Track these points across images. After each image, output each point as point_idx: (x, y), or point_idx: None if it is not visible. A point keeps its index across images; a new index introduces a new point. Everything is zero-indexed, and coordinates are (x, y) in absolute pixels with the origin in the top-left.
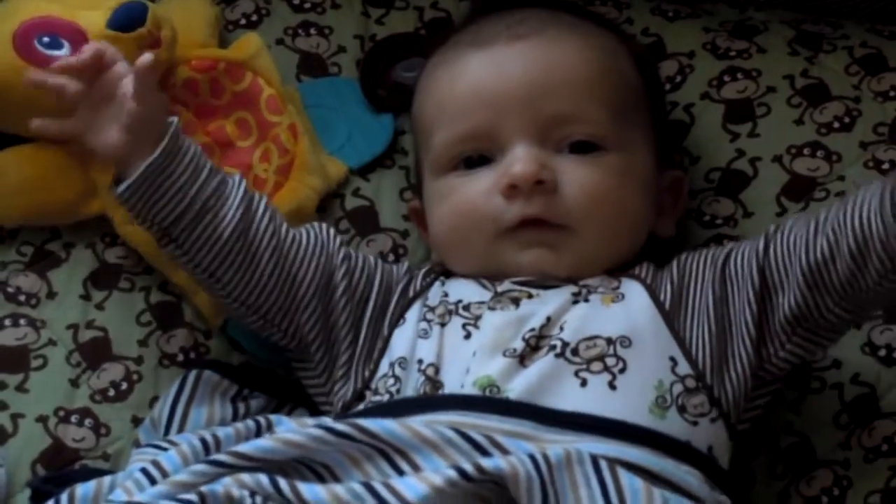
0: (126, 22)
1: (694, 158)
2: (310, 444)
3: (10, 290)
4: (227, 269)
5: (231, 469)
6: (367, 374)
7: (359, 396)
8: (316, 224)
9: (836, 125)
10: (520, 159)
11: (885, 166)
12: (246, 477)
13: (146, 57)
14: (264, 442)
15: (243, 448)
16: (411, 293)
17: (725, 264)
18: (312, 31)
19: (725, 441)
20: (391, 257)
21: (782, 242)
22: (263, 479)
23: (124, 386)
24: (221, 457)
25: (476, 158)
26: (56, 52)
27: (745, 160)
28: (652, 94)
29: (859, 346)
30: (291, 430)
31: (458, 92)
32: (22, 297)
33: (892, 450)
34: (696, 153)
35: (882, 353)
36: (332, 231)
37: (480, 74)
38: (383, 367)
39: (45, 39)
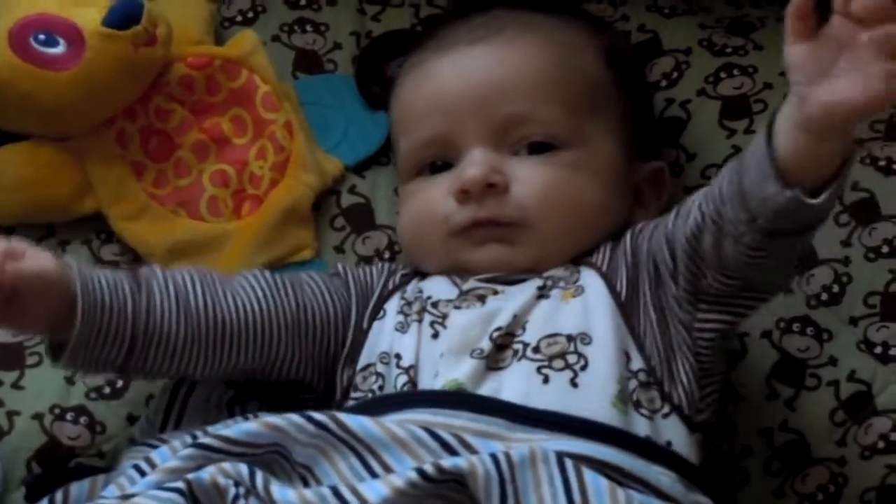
0: (122, 20)
1: (690, 155)
2: (289, 428)
3: None
4: (195, 368)
5: (217, 453)
6: (351, 371)
7: (345, 393)
8: (258, 277)
9: None
10: (472, 164)
11: (882, 163)
12: (228, 466)
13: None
14: (248, 425)
15: (228, 431)
16: (391, 286)
17: (651, 240)
18: (308, 27)
19: (685, 435)
20: (387, 254)
21: (681, 216)
22: (243, 469)
23: (120, 384)
24: (207, 440)
25: (440, 165)
26: (52, 50)
27: None
28: (624, 86)
29: (855, 344)
30: (273, 416)
31: (418, 98)
32: None
33: (887, 447)
34: (692, 150)
35: (878, 350)
36: (276, 280)
37: (438, 80)
38: (362, 361)
39: (41, 37)
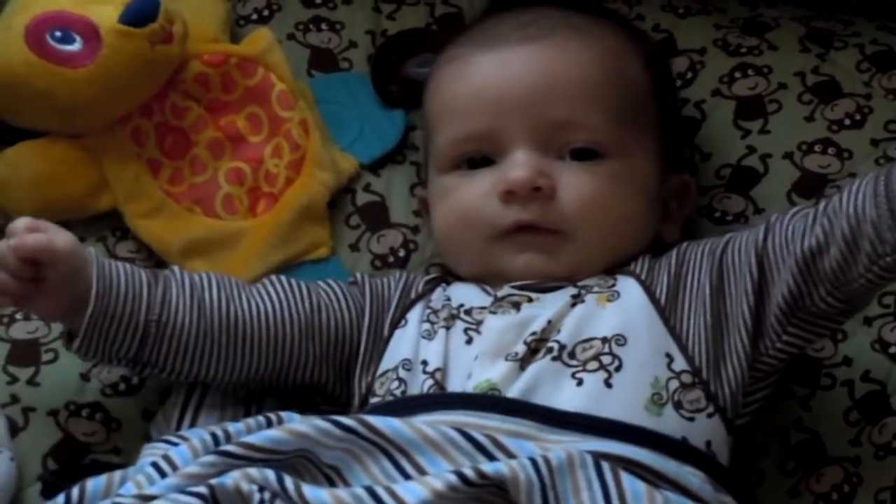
0: (138, 17)
1: (705, 155)
2: (316, 435)
3: None
4: (208, 367)
5: (240, 460)
6: (369, 378)
7: (363, 401)
8: (275, 281)
9: (848, 122)
10: (518, 165)
11: None
12: (254, 471)
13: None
14: (272, 432)
15: (252, 438)
16: (413, 294)
17: (724, 254)
18: (324, 26)
19: (724, 436)
20: (402, 252)
21: (781, 232)
22: (270, 475)
23: (135, 380)
24: (230, 447)
25: (479, 159)
26: (68, 47)
27: (755, 157)
28: (662, 96)
29: (870, 344)
30: (299, 422)
31: (463, 91)
32: None
33: None
34: (706, 150)
35: (893, 350)
36: (292, 283)
37: (486, 75)
38: (382, 367)
39: (58, 34)
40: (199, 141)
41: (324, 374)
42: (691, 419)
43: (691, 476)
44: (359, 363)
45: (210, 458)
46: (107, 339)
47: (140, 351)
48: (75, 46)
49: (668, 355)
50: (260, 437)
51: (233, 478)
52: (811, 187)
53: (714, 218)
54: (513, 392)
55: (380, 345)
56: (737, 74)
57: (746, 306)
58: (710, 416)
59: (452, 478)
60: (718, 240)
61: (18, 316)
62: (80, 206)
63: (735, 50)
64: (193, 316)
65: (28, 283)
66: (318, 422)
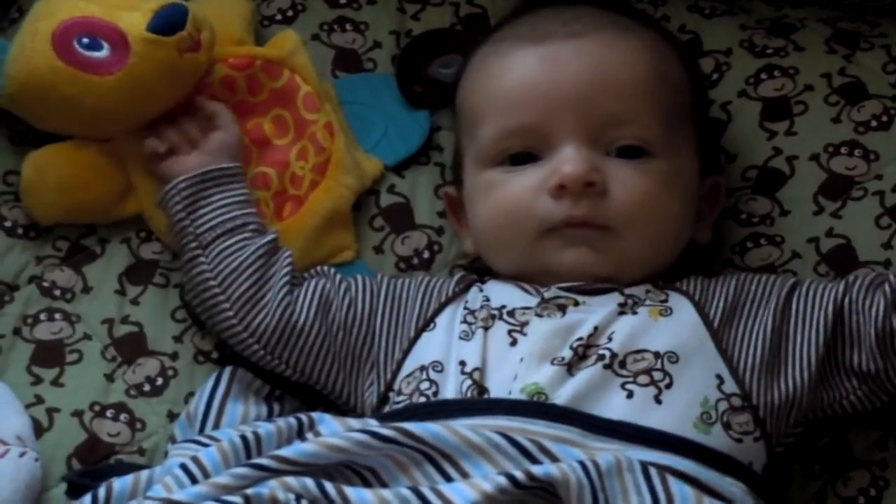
0: (167, 25)
1: (731, 156)
2: (354, 448)
3: (45, 284)
4: (238, 287)
5: (274, 473)
6: (389, 376)
7: (383, 399)
8: (318, 268)
9: (874, 124)
10: (570, 160)
11: None
12: (292, 480)
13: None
14: (308, 446)
15: (286, 452)
16: (443, 298)
17: (791, 297)
18: (348, 26)
19: (763, 460)
20: (426, 254)
21: (860, 298)
22: (309, 482)
23: (160, 381)
24: (264, 461)
25: (523, 155)
26: (95, 54)
27: (781, 158)
28: (697, 98)
29: None
30: (335, 435)
31: (509, 85)
32: (57, 292)
33: None
34: (732, 151)
35: None
36: (331, 270)
37: (534, 70)
38: (408, 367)
39: (85, 40)
40: None
41: (328, 361)
42: (739, 440)
43: (733, 488)
44: (378, 357)
45: (242, 470)
46: (205, 197)
47: (211, 230)
48: (103, 53)
49: (719, 377)
50: (295, 451)
51: (269, 487)
52: (838, 189)
53: (740, 220)
54: (560, 397)
55: (401, 344)
56: (763, 76)
57: (814, 354)
58: (756, 440)
59: (502, 479)
60: (783, 279)
61: (42, 317)
62: (106, 211)
63: (761, 51)
64: (264, 247)
65: (196, 134)
66: (356, 435)
